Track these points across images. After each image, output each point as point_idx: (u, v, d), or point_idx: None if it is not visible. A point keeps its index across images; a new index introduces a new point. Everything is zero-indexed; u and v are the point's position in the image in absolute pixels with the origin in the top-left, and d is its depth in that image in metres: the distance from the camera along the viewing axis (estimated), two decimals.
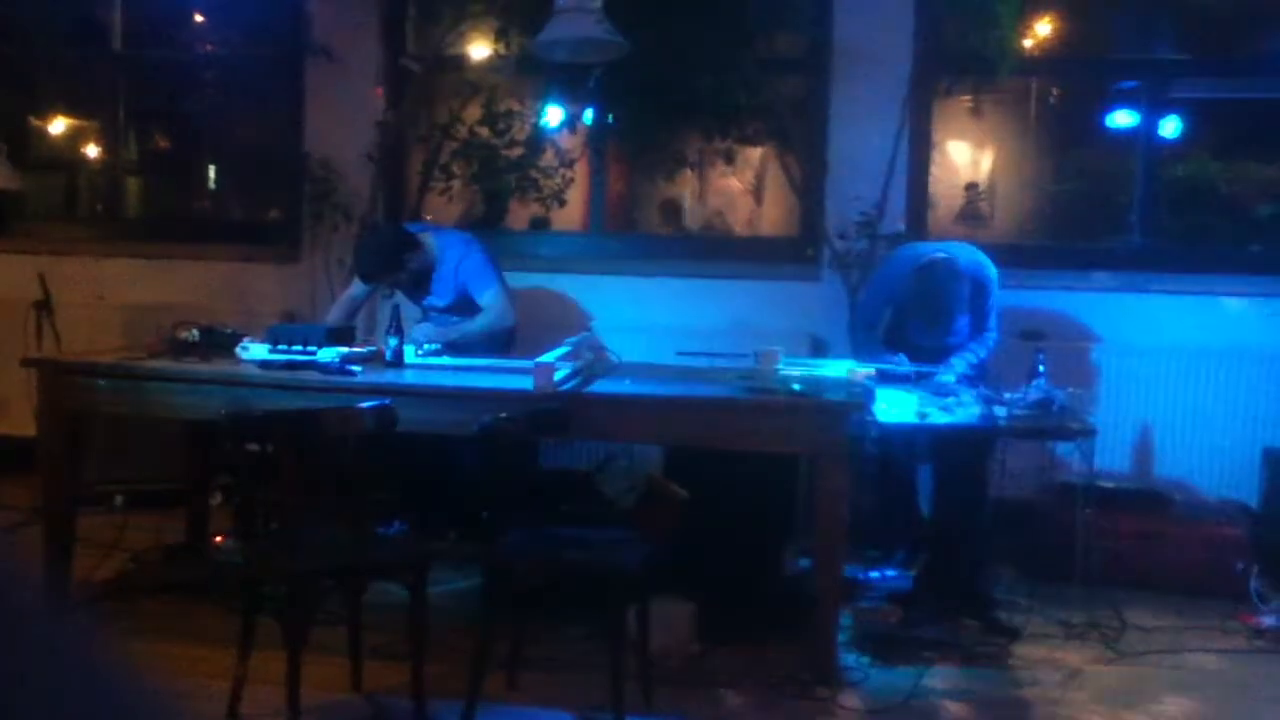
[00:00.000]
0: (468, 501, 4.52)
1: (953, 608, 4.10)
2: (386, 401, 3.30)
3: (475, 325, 4.65)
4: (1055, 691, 3.53)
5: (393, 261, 4.61)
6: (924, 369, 4.19)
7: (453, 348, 4.41)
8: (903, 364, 4.22)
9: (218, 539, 4.55)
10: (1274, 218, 5.95)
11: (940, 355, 4.33)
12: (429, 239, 4.74)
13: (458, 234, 4.92)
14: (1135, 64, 5.60)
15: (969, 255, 4.36)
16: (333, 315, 4.84)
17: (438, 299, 4.75)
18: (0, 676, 0.49)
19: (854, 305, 5.22)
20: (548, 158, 5.91)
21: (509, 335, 4.77)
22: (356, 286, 4.93)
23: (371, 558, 3.23)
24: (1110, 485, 4.81)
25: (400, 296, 4.85)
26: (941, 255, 4.29)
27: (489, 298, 4.67)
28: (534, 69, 5.49)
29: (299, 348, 3.93)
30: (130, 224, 6.49)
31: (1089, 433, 3.88)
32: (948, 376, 4.15)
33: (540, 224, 6.39)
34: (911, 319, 4.37)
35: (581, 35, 4.25)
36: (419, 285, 4.75)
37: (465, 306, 4.71)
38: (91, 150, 6.87)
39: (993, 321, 4.42)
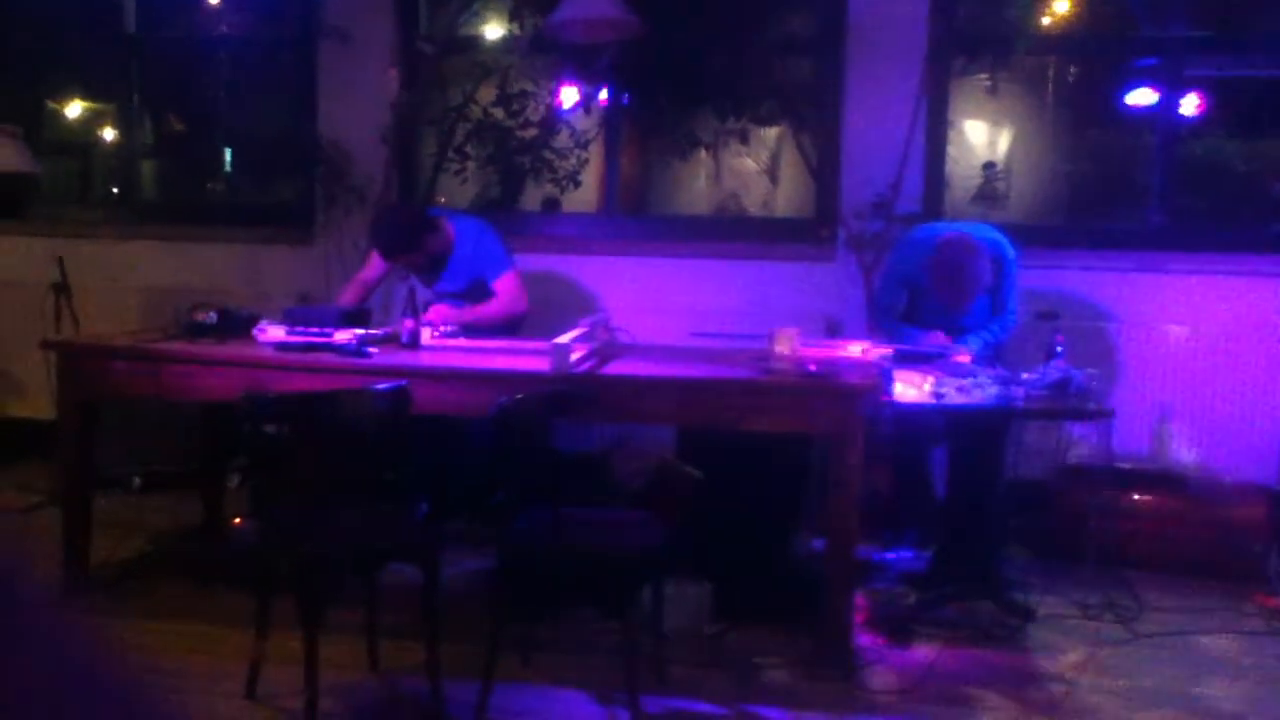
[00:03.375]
0: (482, 483, 4.54)
1: (967, 589, 4.09)
2: (402, 383, 3.30)
3: (491, 309, 4.66)
4: (1070, 672, 3.53)
5: (413, 240, 4.61)
6: (942, 349, 4.18)
7: (467, 330, 4.42)
8: (931, 342, 4.20)
9: (235, 521, 4.58)
10: None
11: (955, 335, 4.32)
12: (445, 223, 4.74)
13: (472, 219, 4.91)
14: (1153, 42, 5.55)
15: (986, 233, 4.33)
16: (344, 298, 4.84)
17: (450, 284, 4.75)
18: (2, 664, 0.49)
19: (868, 286, 5.20)
20: (562, 139, 5.91)
21: (519, 319, 4.77)
22: (369, 269, 4.92)
23: (387, 539, 3.24)
24: (1127, 466, 4.80)
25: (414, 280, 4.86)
26: (957, 233, 4.28)
27: (505, 283, 4.68)
28: (548, 49, 5.47)
29: (315, 330, 3.94)
30: (146, 207, 6.50)
31: (1106, 414, 3.86)
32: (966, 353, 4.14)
33: (553, 204, 6.38)
34: (930, 298, 4.35)
35: (595, 15, 4.24)
36: (435, 268, 4.75)
37: (478, 292, 4.71)
38: (107, 133, 6.89)
39: (1012, 303, 4.39)
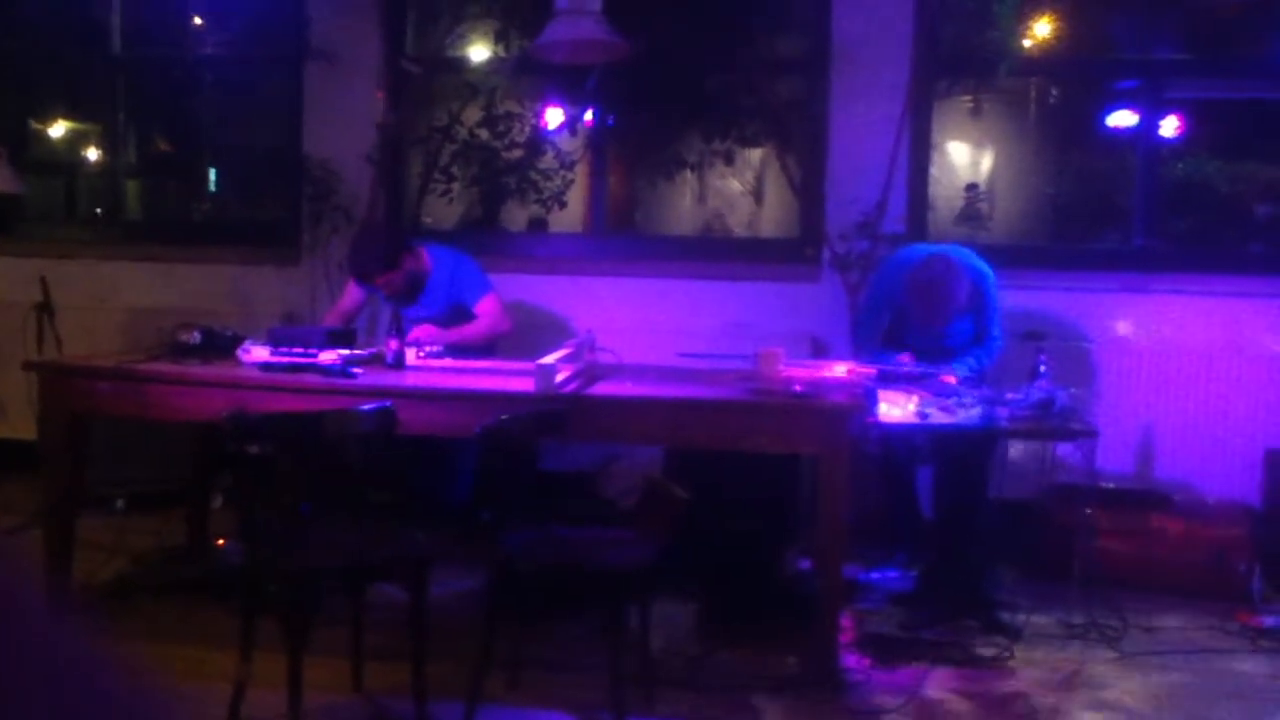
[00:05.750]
0: (468, 503, 4.53)
1: (954, 609, 4.10)
2: (387, 404, 3.30)
3: (475, 329, 4.68)
4: (1056, 692, 3.53)
5: (392, 259, 4.61)
6: (927, 370, 4.19)
7: (452, 350, 4.42)
8: (906, 364, 4.22)
9: (219, 541, 4.56)
10: (1273, 217, 5.96)
11: (939, 357, 4.33)
12: (421, 250, 4.77)
13: (446, 248, 4.91)
14: (1134, 64, 5.60)
15: (965, 255, 4.35)
16: (348, 309, 4.90)
17: (429, 310, 4.74)
18: (0, 678, 0.49)
19: (852, 306, 5.22)
20: (548, 160, 5.92)
21: (502, 338, 4.80)
22: (347, 299, 4.93)
23: (373, 559, 3.22)
24: (1111, 486, 4.82)
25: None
26: (938, 252, 4.30)
27: (487, 304, 4.70)
28: (534, 70, 5.49)
29: (300, 350, 3.93)
30: (130, 226, 6.49)
31: (1090, 433, 3.87)
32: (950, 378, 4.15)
33: (539, 224, 6.40)
34: (910, 318, 4.36)
35: (581, 37, 4.25)
36: (411, 293, 4.74)
37: (456, 317, 4.73)
38: (92, 153, 6.88)
39: (996, 328, 4.40)
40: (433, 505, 4.69)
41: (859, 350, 4.56)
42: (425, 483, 4.70)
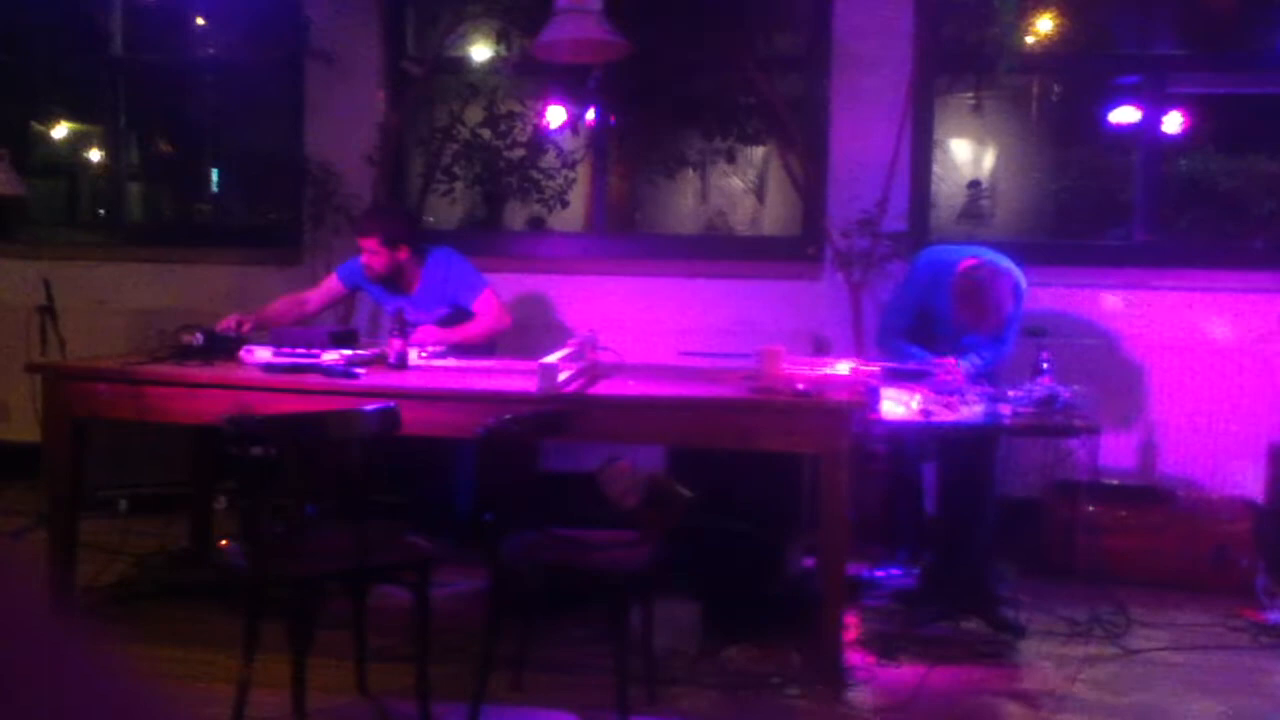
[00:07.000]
0: (471, 503, 4.53)
1: (957, 606, 4.10)
2: (390, 405, 3.30)
3: (477, 328, 4.67)
4: (1060, 689, 3.53)
5: (391, 232, 4.61)
6: (930, 365, 4.16)
7: (454, 350, 4.43)
8: (943, 365, 4.17)
9: (223, 543, 4.56)
10: (1276, 212, 5.95)
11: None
12: (427, 255, 4.79)
13: (439, 248, 4.90)
14: (1136, 59, 5.59)
15: (1007, 262, 4.25)
16: (273, 308, 4.81)
17: (426, 313, 4.73)
18: (2, 680, 0.49)
19: (854, 304, 5.21)
20: (549, 159, 5.92)
21: (503, 335, 4.80)
22: (323, 289, 4.92)
23: (376, 560, 3.22)
24: (1114, 482, 4.82)
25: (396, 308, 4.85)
26: (986, 259, 4.21)
27: (485, 302, 4.69)
28: (535, 70, 5.49)
29: (303, 351, 3.94)
30: (132, 228, 6.50)
31: (1092, 430, 3.87)
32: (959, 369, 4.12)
33: (540, 224, 6.40)
34: (943, 323, 4.27)
35: (582, 36, 4.25)
36: (391, 280, 4.73)
37: (454, 318, 4.73)
38: (93, 155, 6.89)
39: (1011, 332, 4.34)
40: (434, 506, 4.69)
41: (885, 350, 4.48)
42: (427, 484, 4.71)
